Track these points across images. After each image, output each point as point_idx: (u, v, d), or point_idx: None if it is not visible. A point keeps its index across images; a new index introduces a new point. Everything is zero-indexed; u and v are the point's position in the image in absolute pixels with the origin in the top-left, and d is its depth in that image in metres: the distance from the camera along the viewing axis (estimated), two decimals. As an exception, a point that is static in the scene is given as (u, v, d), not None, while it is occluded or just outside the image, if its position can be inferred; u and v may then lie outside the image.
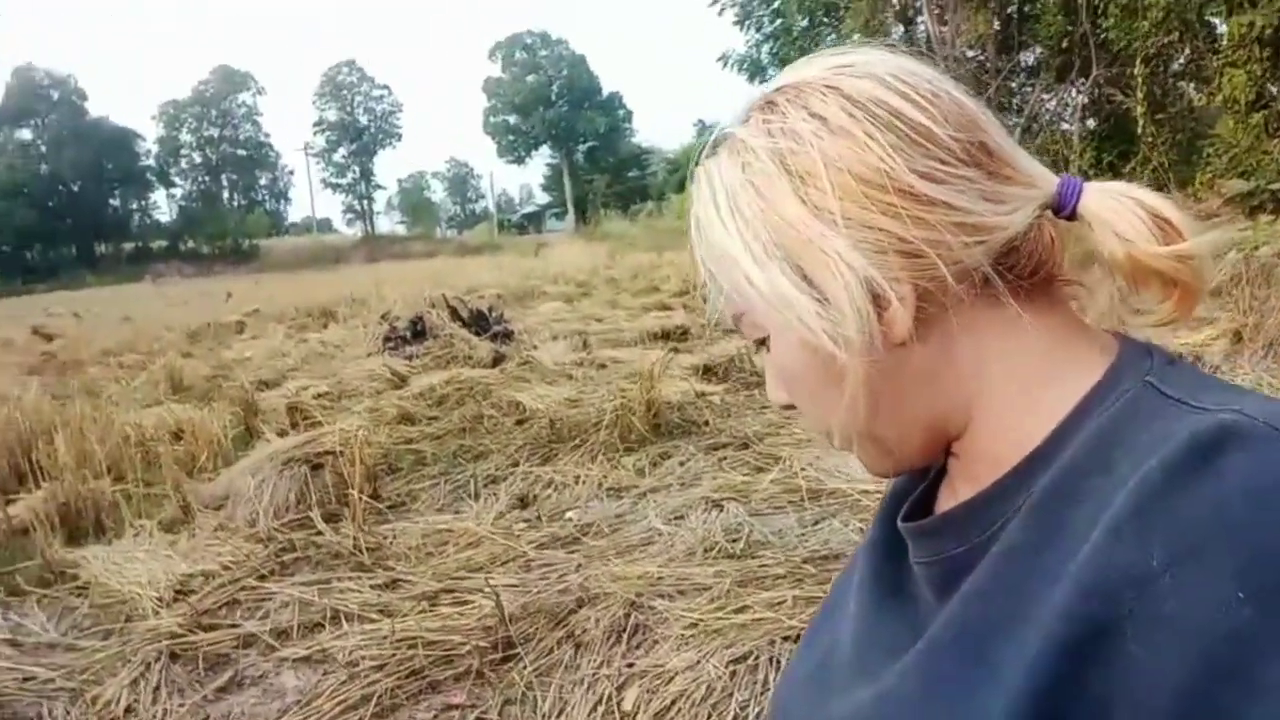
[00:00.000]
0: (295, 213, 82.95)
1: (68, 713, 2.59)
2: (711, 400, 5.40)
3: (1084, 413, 0.59)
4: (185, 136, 71.58)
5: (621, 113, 72.42)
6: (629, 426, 4.75)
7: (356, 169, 76.61)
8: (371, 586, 3.24)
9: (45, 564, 3.72)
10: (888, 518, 0.75)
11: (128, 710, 2.61)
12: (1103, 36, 14.58)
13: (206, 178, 72.36)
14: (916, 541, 0.68)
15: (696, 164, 0.68)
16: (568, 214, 67.41)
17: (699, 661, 2.41)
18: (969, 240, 0.59)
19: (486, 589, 2.94)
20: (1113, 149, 15.33)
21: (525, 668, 2.56)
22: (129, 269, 56.25)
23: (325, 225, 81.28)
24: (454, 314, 8.86)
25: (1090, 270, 0.64)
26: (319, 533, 3.79)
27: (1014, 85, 17.74)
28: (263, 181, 75.78)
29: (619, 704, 2.36)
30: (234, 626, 3.04)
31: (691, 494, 3.86)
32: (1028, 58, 17.80)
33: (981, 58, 17.36)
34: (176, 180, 71.54)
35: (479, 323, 8.78)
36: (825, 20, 20.75)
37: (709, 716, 2.23)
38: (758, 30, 23.26)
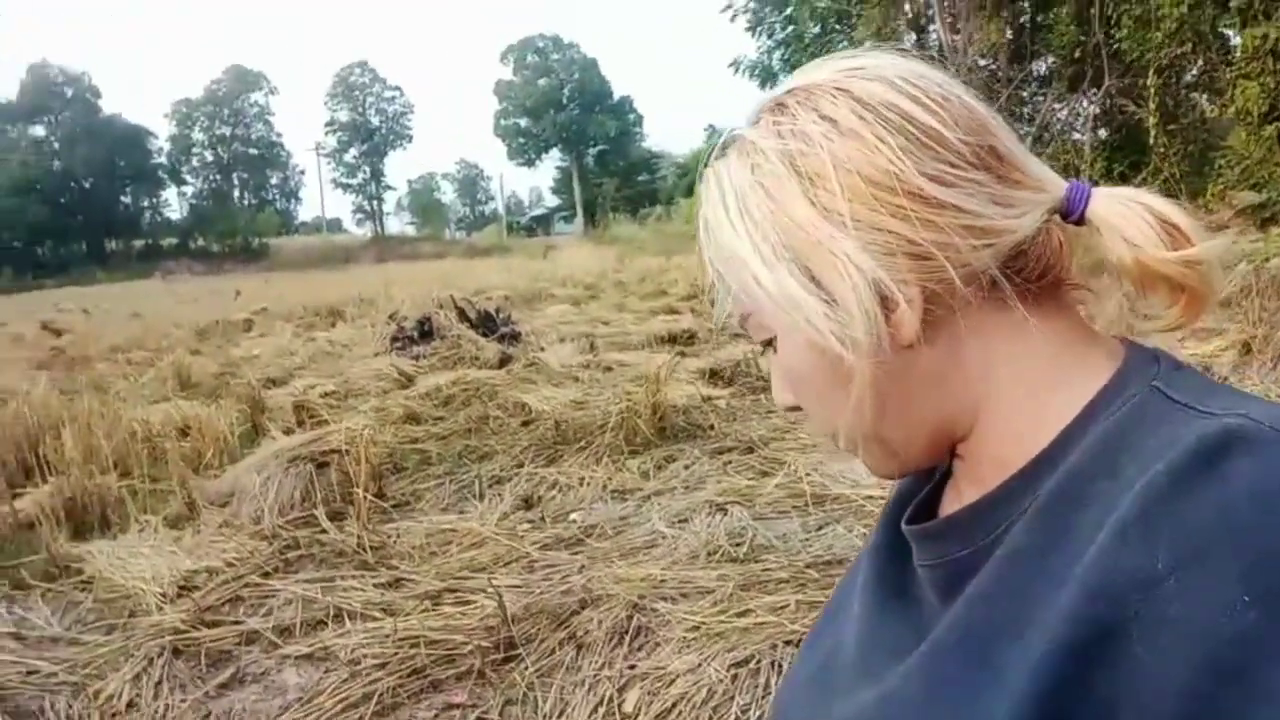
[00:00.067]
0: (305, 212, 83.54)
1: (70, 707, 2.60)
2: (717, 404, 5.39)
3: (1090, 417, 0.59)
4: (197, 135, 71.85)
5: (632, 117, 72.52)
6: (634, 429, 4.76)
7: (367, 169, 76.81)
8: (375, 585, 3.25)
9: (50, 558, 3.73)
10: (892, 521, 0.75)
11: (130, 705, 2.62)
12: (1115, 47, 14.56)
13: (218, 176, 72.61)
14: (921, 544, 0.68)
15: (706, 165, 0.68)
16: (577, 217, 67.51)
17: (701, 664, 2.41)
18: (977, 243, 0.59)
19: (489, 589, 2.95)
20: (1124, 159, 15.29)
21: (527, 668, 2.56)
22: (139, 266, 56.45)
23: (335, 225, 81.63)
24: (462, 315, 8.87)
25: (1099, 278, 0.64)
26: (323, 531, 3.80)
27: (1025, 94, 17.72)
28: (274, 181, 76.01)
29: (620, 705, 2.36)
30: (237, 623, 3.05)
31: (696, 497, 3.86)
32: (1040, 67, 17.78)
33: (993, 66, 17.34)
34: (188, 178, 71.87)
35: (486, 324, 8.80)
36: (837, 27, 20.74)
37: (710, 719, 2.23)
38: (769, 36, 23.29)
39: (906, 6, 18.79)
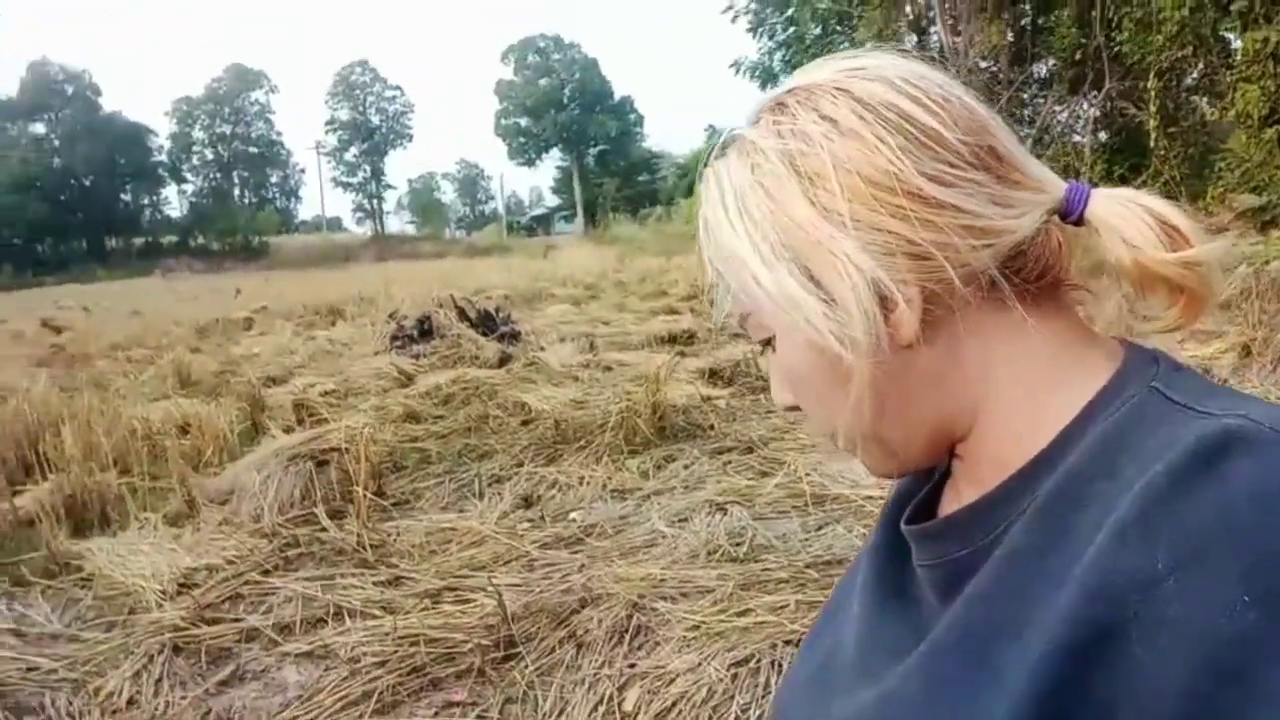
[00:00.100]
0: (305, 211, 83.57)
1: (70, 703, 2.60)
2: (717, 404, 5.40)
3: (1089, 417, 0.59)
4: (197, 133, 71.81)
5: (633, 117, 72.48)
6: (634, 429, 4.76)
7: (367, 168, 76.78)
8: (374, 583, 3.25)
9: (50, 555, 3.73)
10: (891, 521, 0.75)
11: (130, 702, 2.62)
12: (1116, 49, 14.56)
13: (218, 174, 72.58)
14: (920, 544, 0.68)
15: (706, 165, 0.68)
16: (577, 217, 67.49)
17: (700, 664, 2.41)
18: (977, 243, 0.59)
19: (489, 588, 2.95)
20: (1124, 162, 15.29)
21: (527, 667, 2.56)
22: (139, 264, 56.43)
23: (335, 224, 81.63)
24: (461, 314, 8.87)
25: (1099, 279, 0.64)
26: (323, 529, 3.80)
27: (1026, 96, 17.72)
28: (274, 179, 75.97)
29: (620, 704, 2.36)
30: (237, 621, 3.05)
31: (695, 497, 3.86)
32: (1040, 69, 17.78)
33: (994, 69, 17.34)
34: (188, 176, 71.81)
35: (486, 323, 8.80)
36: (839, 29, 20.74)
37: (710, 718, 2.23)
38: (770, 38, 23.28)
39: (908, 8, 18.79)
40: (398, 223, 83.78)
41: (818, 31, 21.17)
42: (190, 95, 71.87)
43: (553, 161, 72.23)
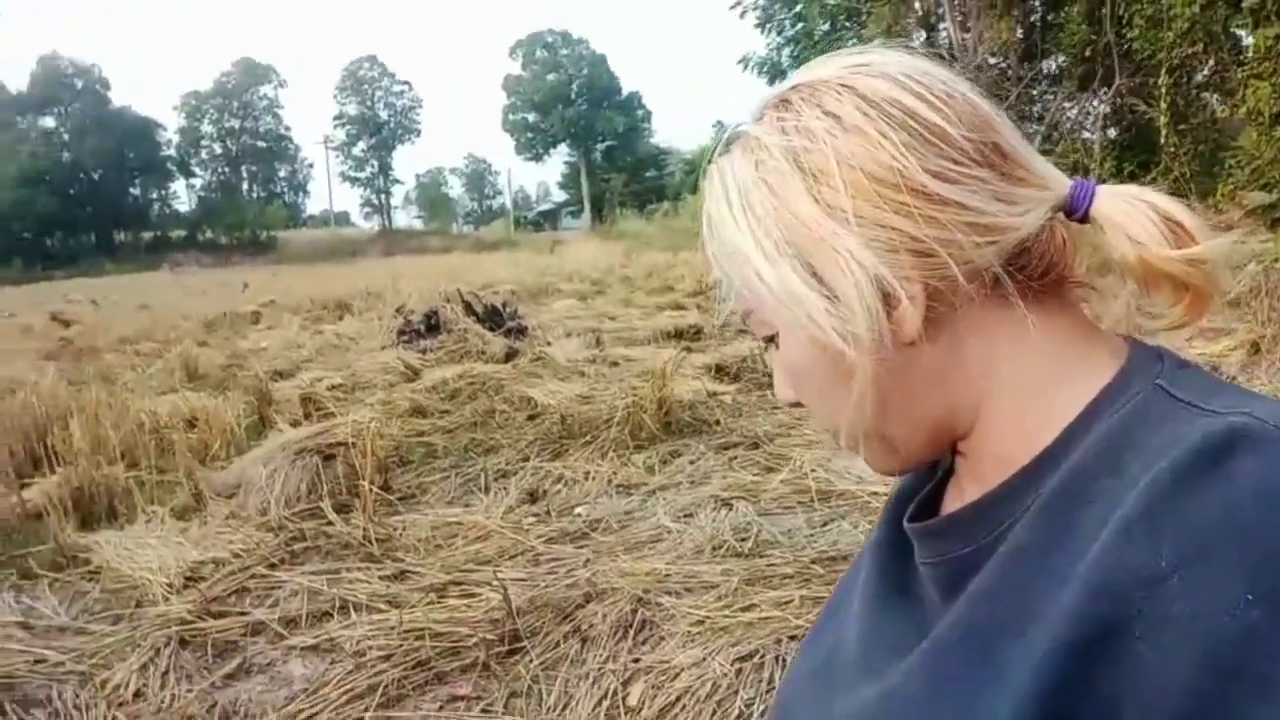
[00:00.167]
0: (313, 205, 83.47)
1: (77, 696, 2.61)
2: (723, 400, 5.40)
3: (1094, 415, 0.59)
4: (206, 127, 72.00)
5: (640, 113, 72.45)
6: (640, 424, 4.76)
7: (375, 163, 76.88)
8: (380, 577, 3.26)
9: (58, 548, 3.75)
10: (894, 517, 0.75)
11: (137, 695, 2.63)
12: (1126, 46, 14.51)
13: (226, 169, 72.76)
14: (922, 542, 0.68)
15: (710, 161, 0.68)
16: (584, 212, 67.49)
17: (705, 659, 2.41)
18: (980, 240, 0.59)
19: (494, 582, 2.95)
20: (1133, 159, 15.25)
21: (531, 661, 2.57)
22: (147, 258, 56.65)
23: (343, 218, 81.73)
24: (468, 309, 8.88)
25: (1106, 276, 0.64)
26: (329, 523, 3.81)
27: (1036, 93, 17.68)
28: (282, 174, 76.13)
29: (624, 699, 2.36)
30: (243, 614, 3.06)
31: (701, 492, 3.86)
32: (1050, 66, 17.74)
33: (1004, 65, 17.30)
34: (196, 171, 71.98)
35: (493, 318, 8.81)
36: (847, 24, 20.72)
37: (714, 713, 2.23)
38: (779, 33, 23.27)
39: (917, 4, 18.74)
40: (405, 217, 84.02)
41: (826, 27, 21.15)
42: (199, 90, 72.17)
43: (560, 157, 72.33)
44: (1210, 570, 0.47)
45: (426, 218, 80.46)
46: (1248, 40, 12.91)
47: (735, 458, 4.38)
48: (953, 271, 0.58)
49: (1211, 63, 13.95)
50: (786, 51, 23.05)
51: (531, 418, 5.36)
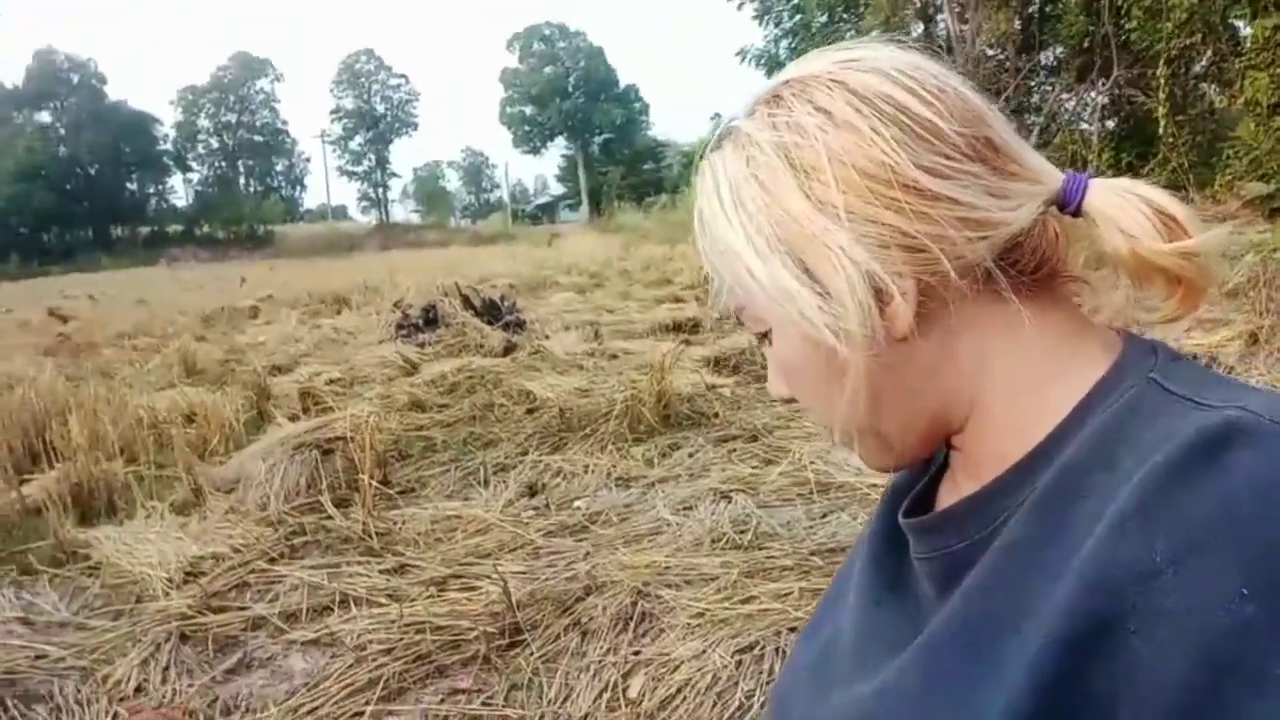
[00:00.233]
0: (311, 199, 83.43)
1: (78, 691, 2.61)
2: (721, 392, 5.39)
3: (1087, 409, 0.59)
4: (203, 122, 71.94)
5: (638, 105, 72.39)
6: (639, 417, 4.76)
7: (372, 157, 76.82)
8: (380, 571, 3.26)
9: (57, 544, 3.75)
10: (889, 511, 0.75)
11: (138, 690, 2.63)
12: (1124, 37, 14.49)
13: (223, 163, 72.70)
14: (917, 537, 0.68)
15: (701, 157, 0.68)
16: (582, 205, 67.40)
17: (705, 651, 2.42)
18: (973, 235, 0.59)
19: (494, 575, 2.96)
20: (1132, 150, 15.24)
21: (532, 654, 2.57)
22: (145, 253, 56.58)
23: (340, 212, 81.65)
24: (466, 303, 8.87)
25: (1100, 269, 0.64)
26: (329, 517, 3.81)
27: (1033, 84, 17.65)
28: (279, 168, 76.11)
29: (624, 691, 2.37)
30: (243, 609, 3.07)
31: (700, 485, 3.86)
32: (1048, 57, 17.70)
33: (1002, 57, 17.26)
34: (193, 165, 72.04)
35: (491, 312, 8.80)
36: (845, 16, 20.65)
37: (714, 705, 2.24)
38: (776, 25, 23.17)
39: (914, -5, 18.69)
40: (403, 211, 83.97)
41: (824, 19, 21.08)
42: (195, 84, 72.25)
43: (558, 150, 72.25)
44: (1205, 565, 0.47)
45: (424, 211, 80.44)
46: (1246, 31, 12.89)
47: (734, 450, 4.38)
48: (945, 267, 0.59)
49: (1210, 53, 13.94)
50: (784, 44, 22.95)
51: (530, 411, 5.36)
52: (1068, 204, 0.62)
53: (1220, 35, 13.36)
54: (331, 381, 6.90)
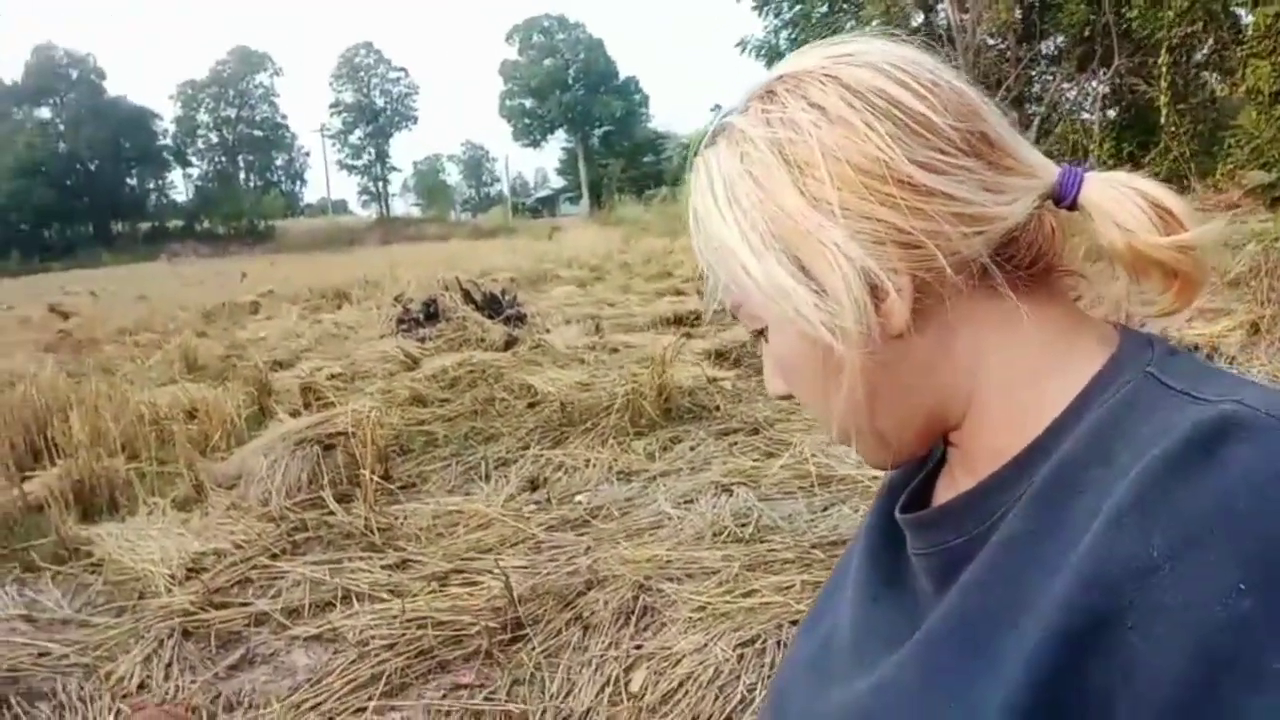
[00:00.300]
0: (311, 194, 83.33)
1: (81, 688, 2.62)
2: (723, 385, 5.39)
3: (1084, 404, 0.59)
4: (202, 116, 71.84)
5: (638, 97, 72.24)
6: (640, 411, 4.76)
7: (372, 151, 76.69)
8: (382, 566, 3.26)
9: (60, 541, 3.76)
10: (886, 506, 0.75)
11: (141, 686, 2.64)
12: (1125, 26, 14.46)
13: (223, 158, 72.63)
14: (915, 533, 0.68)
15: (695, 154, 0.68)
16: (582, 198, 67.34)
17: (706, 644, 2.42)
18: (968, 231, 0.59)
19: (496, 570, 2.96)
20: (1133, 139, 15.23)
21: (534, 649, 2.57)
22: (145, 248, 56.57)
23: (340, 207, 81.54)
24: (467, 297, 8.87)
25: (1096, 263, 0.64)
26: (330, 513, 3.82)
27: (1034, 74, 17.62)
28: (279, 162, 76.02)
29: (626, 685, 2.37)
30: (246, 605, 3.07)
31: (701, 478, 3.86)
32: (1049, 46, 17.68)
33: (1002, 46, 17.24)
34: (193, 160, 71.89)
35: (492, 306, 8.80)
36: (845, 6, 20.62)
37: (716, 699, 2.24)
38: (776, 16, 23.12)
39: (914, -15, 18.63)
40: (403, 205, 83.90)
41: (824, 9, 21.05)
42: (194, 78, 72.01)
43: (558, 143, 72.09)
44: (1202, 559, 0.47)
45: (424, 205, 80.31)
46: (1247, 19, 12.87)
47: (735, 443, 4.38)
48: (940, 263, 0.58)
49: (1211, 41, 13.92)
50: (784, 34, 22.90)
51: (531, 405, 5.36)
52: (1063, 198, 0.62)
53: (1221, 23, 13.34)
54: (333, 377, 6.91)
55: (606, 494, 3.86)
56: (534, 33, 69.97)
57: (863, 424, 0.65)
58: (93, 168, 63.78)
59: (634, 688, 2.35)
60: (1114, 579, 0.49)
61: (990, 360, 0.62)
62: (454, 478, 4.34)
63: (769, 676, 2.28)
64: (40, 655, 2.82)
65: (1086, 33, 15.54)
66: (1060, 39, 16.98)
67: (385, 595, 3.00)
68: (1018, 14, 16.63)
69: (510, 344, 7.58)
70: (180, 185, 72.46)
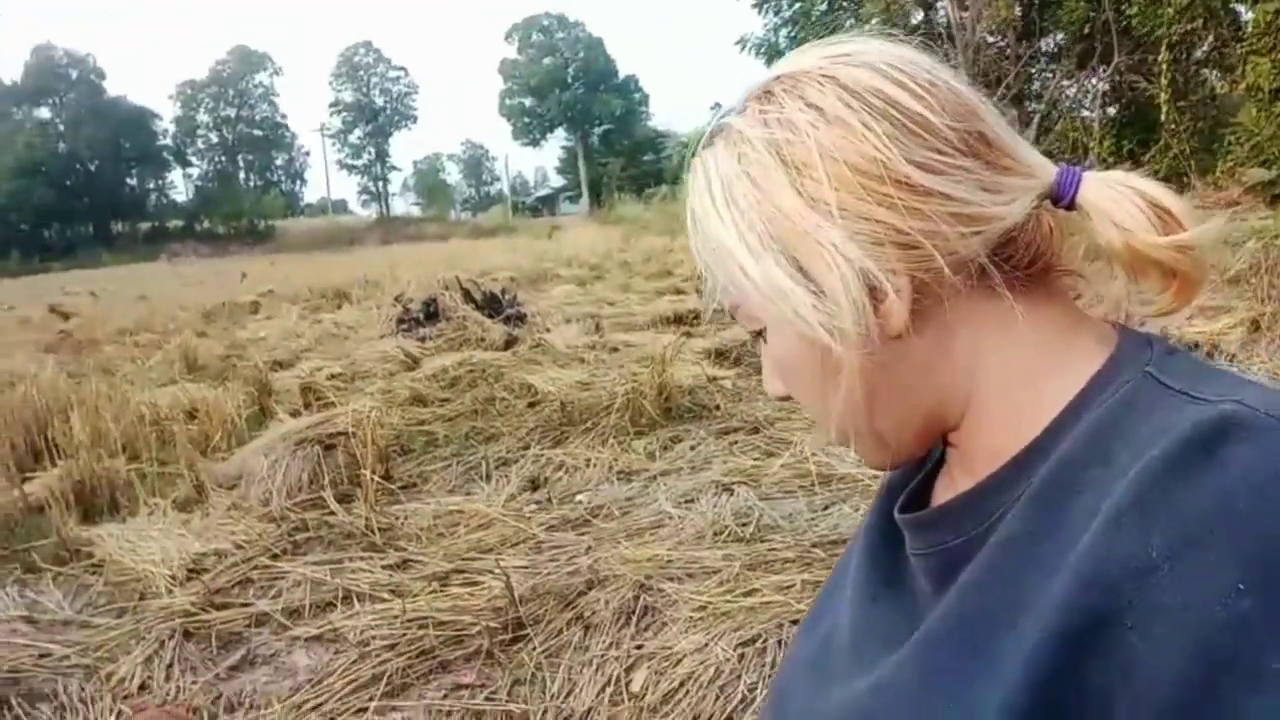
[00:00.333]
0: (311, 194, 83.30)
1: (82, 689, 2.62)
2: (723, 384, 5.39)
3: (1083, 404, 0.58)
4: (202, 116, 71.85)
5: (638, 96, 72.22)
6: (640, 410, 4.76)
7: (372, 150, 76.68)
8: (383, 567, 3.26)
9: (60, 542, 3.76)
10: (884, 507, 0.75)
11: (142, 687, 2.64)
12: (1125, 23, 14.46)
13: (223, 158, 72.63)
14: (913, 533, 0.68)
15: (693, 155, 0.68)
16: (582, 197, 67.29)
17: (707, 644, 2.42)
18: (966, 231, 0.59)
19: (497, 570, 2.96)
20: (1133, 136, 15.22)
21: (535, 648, 2.57)
22: (145, 248, 56.58)
23: (340, 206, 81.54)
24: (467, 296, 8.87)
25: (1095, 262, 0.64)
26: (331, 513, 3.82)
27: (1034, 71, 17.62)
28: (279, 162, 76.01)
29: (627, 685, 2.37)
30: (246, 605, 3.07)
31: (702, 478, 3.86)
32: (1049, 44, 17.66)
33: (1002, 44, 17.22)
34: (193, 160, 71.89)
35: (492, 305, 8.80)
36: (844, 4, 20.59)
37: (717, 699, 2.24)
38: (776, 14, 23.09)
39: (914, -18, 18.62)
40: (403, 205, 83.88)
41: (823, 7, 21.02)
42: (194, 78, 71.98)
43: (557, 141, 72.06)
44: (1202, 559, 0.47)
45: (424, 205, 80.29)
46: (1247, 16, 12.86)
47: (736, 443, 4.38)
48: (939, 263, 0.58)
49: (1211, 39, 13.91)
50: (784, 32, 22.87)
51: (532, 405, 5.36)
52: (1061, 197, 0.62)
53: (1221, 20, 13.34)
54: (333, 376, 6.91)
55: (607, 493, 3.86)
56: (533, 31, 69.95)
57: (861, 425, 0.64)
58: (93, 168, 63.79)
59: (635, 688, 2.35)
60: (1113, 579, 0.49)
61: (988, 361, 0.62)
62: (454, 477, 4.34)
63: (770, 676, 2.28)
64: (41, 656, 2.82)
65: (1086, 30, 15.53)
66: (1060, 36, 16.96)
67: (386, 595, 3.00)
68: (1017, 11, 16.62)
69: (510, 343, 7.58)
70: (180, 185, 72.61)
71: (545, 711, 2.33)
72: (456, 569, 3.16)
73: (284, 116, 74.99)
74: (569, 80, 68.87)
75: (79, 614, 3.17)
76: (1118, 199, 0.60)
